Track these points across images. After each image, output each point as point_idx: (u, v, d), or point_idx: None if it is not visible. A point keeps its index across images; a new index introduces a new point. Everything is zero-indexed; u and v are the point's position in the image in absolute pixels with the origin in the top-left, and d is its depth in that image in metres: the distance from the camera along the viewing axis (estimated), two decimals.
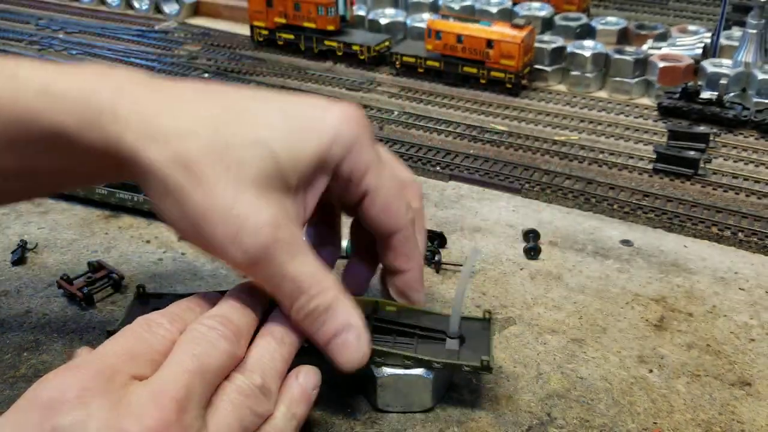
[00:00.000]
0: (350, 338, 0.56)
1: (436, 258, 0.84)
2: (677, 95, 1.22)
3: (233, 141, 0.52)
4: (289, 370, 0.56)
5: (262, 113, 0.55)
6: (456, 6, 1.58)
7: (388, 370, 0.61)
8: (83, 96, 0.52)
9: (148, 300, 0.66)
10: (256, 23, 1.53)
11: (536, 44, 1.35)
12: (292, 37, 1.51)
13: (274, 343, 0.55)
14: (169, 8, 1.79)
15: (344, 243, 0.86)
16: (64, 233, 0.90)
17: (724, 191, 1.01)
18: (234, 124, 0.53)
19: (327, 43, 1.47)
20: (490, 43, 1.30)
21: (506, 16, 1.54)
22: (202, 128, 0.52)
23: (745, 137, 1.16)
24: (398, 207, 0.61)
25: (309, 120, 0.55)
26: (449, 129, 1.20)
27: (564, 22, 1.50)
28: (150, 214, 0.92)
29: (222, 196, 0.51)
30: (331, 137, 0.55)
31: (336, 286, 0.56)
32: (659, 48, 1.39)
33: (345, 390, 0.65)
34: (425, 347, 0.62)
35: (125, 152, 0.52)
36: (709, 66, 1.27)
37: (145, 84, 0.55)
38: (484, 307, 0.78)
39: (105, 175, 0.64)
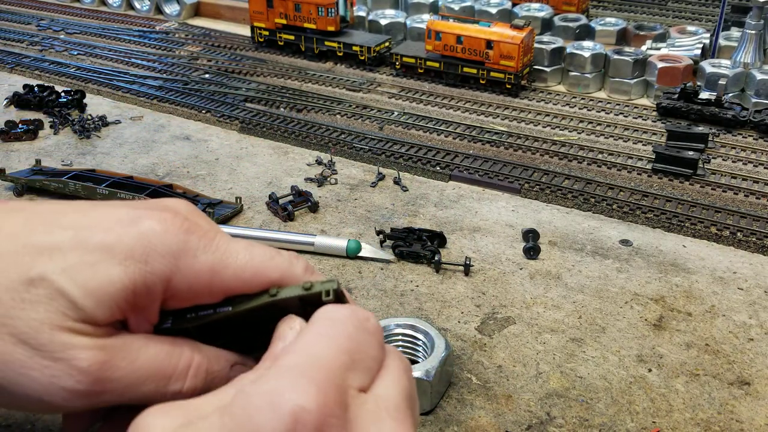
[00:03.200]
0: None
1: (437, 258, 0.84)
2: (676, 96, 1.22)
3: (13, 282, 0.43)
4: None
5: (48, 241, 0.44)
6: (456, 7, 1.58)
7: None
8: None
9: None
10: (256, 24, 1.54)
11: (536, 45, 1.35)
12: (292, 37, 1.51)
13: None
14: (170, 9, 1.79)
15: (344, 243, 0.86)
16: None
17: (723, 191, 1.02)
18: (14, 263, 0.43)
19: (327, 43, 1.47)
20: (489, 43, 1.30)
21: (506, 16, 1.55)
22: None
23: (743, 137, 1.16)
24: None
25: (109, 242, 0.44)
26: (449, 129, 1.20)
27: (563, 23, 1.50)
28: None
29: (14, 350, 0.42)
30: (140, 260, 0.44)
31: (192, 345, 0.47)
32: (658, 48, 1.40)
33: None
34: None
35: None
36: (707, 66, 1.28)
37: None
38: (484, 308, 0.78)
39: None
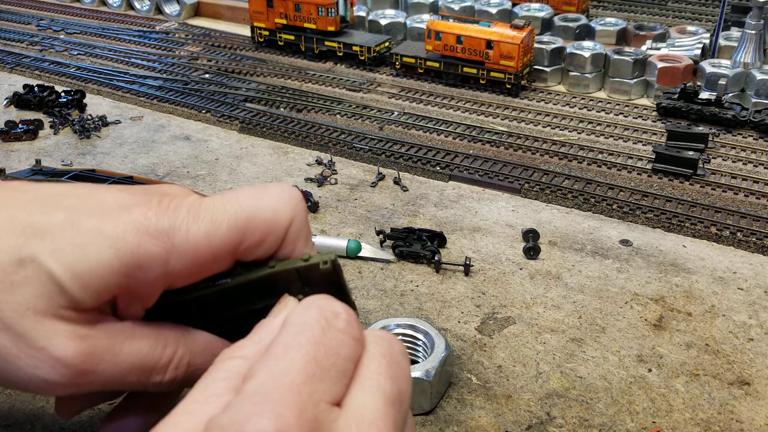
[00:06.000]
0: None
1: (436, 258, 0.84)
2: (676, 95, 1.22)
3: (4, 263, 0.42)
4: None
5: (41, 222, 0.44)
6: (456, 7, 1.58)
7: None
8: None
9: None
10: (256, 24, 1.54)
11: (536, 45, 1.35)
12: (292, 37, 1.51)
13: None
14: (170, 9, 1.79)
15: (344, 243, 0.86)
16: None
17: (723, 191, 1.02)
18: (7, 243, 0.43)
19: (327, 43, 1.47)
20: (489, 43, 1.30)
21: (506, 16, 1.55)
22: None
23: (743, 137, 1.16)
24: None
25: (101, 223, 0.43)
26: (449, 129, 1.20)
27: (563, 23, 1.50)
28: None
29: None
30: (132, 241, 0.43)
31: (177, 335, 0.47)
32: (658, 48, 1.40)
33: None
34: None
35: None
36: (707, 66, 1.28)
37: None
38: (484, 308, 0.78)
39: None
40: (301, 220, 0.46)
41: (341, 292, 0.46)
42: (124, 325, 0.45)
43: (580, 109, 1.28)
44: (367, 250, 0.87)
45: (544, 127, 1.21)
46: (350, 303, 0.46)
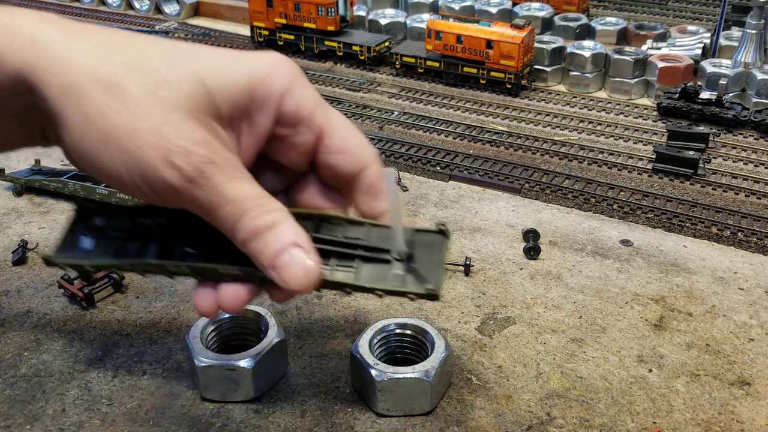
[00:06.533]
0: (296, 255, 0.50)
1: None
2: (677, 95, 1.22)
3: (157, 64, 0.49)
4: None
5: (188, 48, 0.53)
6: (456, 6, 1.58)
7: (387, 375, 0.61)
8: (4, 21, 0.49)
9: (90, 216, 0.59)
10: (256, 23, 1.54)
11: (536, 44, 1.35)
12: (292, 37, 1.51)
13: None
14: (170, 9, 1.79)
15: None
16: None
17: (724, 191, 1.01)
18: (157, 53, 0.50)
19: (327, 43, 1.47)
20: (489, 43, 1.30)
21: (506, 16, 1.55)
22: (124, 54, 0.49)
23: (744, 137, 1.16)
24: (359, 142, 0.56)
25: (240, 56, 0.54)
26: (449, 129, 1.20)
27: (563, 23, 1.50)
28: None
29: (149, 117, 0.48)
30: (264, 70, 0.53)
31: (280, 207, 0.52)
32: (659, 48, 1.39)
33: (345, 394, 0.65)
34: (369, 271, 0.54)
35: (40, 75, 0.48)
36: (708, 66, 1.28)
37: (61, 19, 0.52)
38: (484, 308, 0.78)
39: (11, 105, 0.53)
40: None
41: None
42: (242, 167, 0.51)
43: (580, 108, 1.28)
44: None
45: (544, 127, 1.21)
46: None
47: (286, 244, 0.50)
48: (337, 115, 0.56)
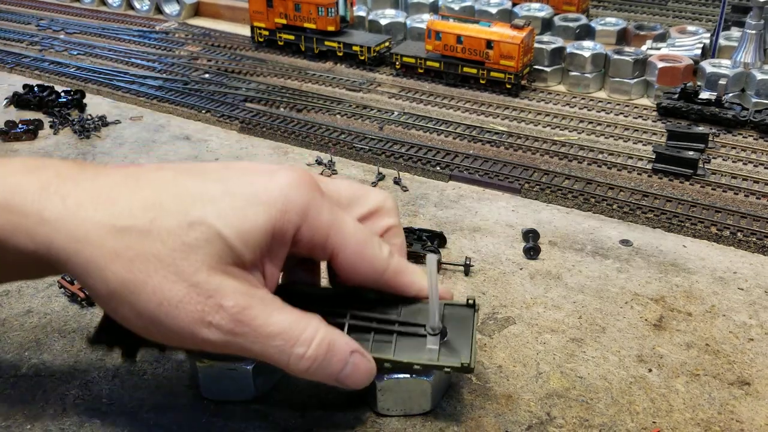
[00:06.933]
0: (356, 361, 0.55)
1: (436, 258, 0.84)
2: (676, 95, 1.22)
3: (174, 226, 0.50)
4: None
5: (200, 191, 0.52)
6: (456, 6, 1.58)
7: (387, 375, 0.61)
8: (6, 198, 0.51)
9: None
10: (256, 24, 1.54)
11: (536, 45, 1.35)
12: (292, 37, 1.51)
13: None
14: (170, 9, 1.79)
15: None
16: None
17: (723, 191, 1.01)
18: (173, 208, 0.51)
19: (327, 43, 1.47)
20: (489, 43, 1.30)
21: (506, 16, 1.55)
22: (140, 219, 0.50)
23: (744, 137, 1.16)
24: (372, 255, 0.58)
25: (253, 192, 0.53)
26: (449, 129, 1.20)
27: (563, 23, 1.50)
28: None
29: (174, 286, 0.49)
30: (280, 208, 0.53)
31: (320, 321, 0.55)
32: (658, 48, 1.39)
33: (345, 394, 0.65)
34: (405, 345, 0.59)
35: (57, 255, 0.50)
36: (708, 66, 1.28)
37: (73, 177, 0.53)
38: (484, 308, 0.78)
39: (43, 272, 0.60)
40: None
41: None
42: (274, 298, 0.54)
43: (580, 109, 1.28)
44: None
45: (544, 127, 1.21)
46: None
47: (345, 359, 0.55)
48: (352, 232, 0.57)
